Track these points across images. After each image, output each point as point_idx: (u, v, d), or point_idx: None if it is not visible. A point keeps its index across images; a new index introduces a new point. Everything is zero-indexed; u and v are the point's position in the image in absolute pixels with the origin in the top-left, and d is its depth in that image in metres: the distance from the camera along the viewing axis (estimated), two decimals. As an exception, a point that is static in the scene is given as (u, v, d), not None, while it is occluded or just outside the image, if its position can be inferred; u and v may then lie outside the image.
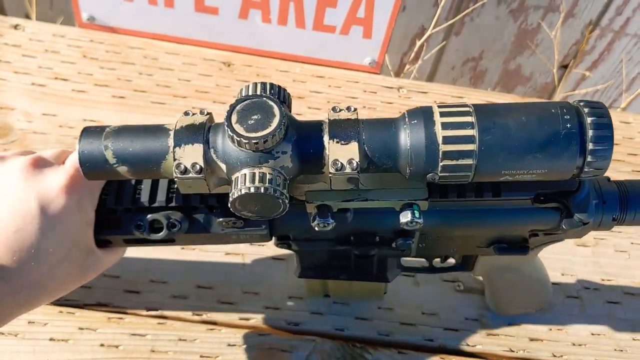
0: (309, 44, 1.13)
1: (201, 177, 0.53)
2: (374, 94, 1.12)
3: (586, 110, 0.51)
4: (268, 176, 0.51)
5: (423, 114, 0.52)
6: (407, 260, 0.79)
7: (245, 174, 0.52)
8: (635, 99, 1.44)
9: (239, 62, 1.12)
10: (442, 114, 0.52)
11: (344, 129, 0.54)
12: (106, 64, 1.07)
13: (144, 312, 0.82)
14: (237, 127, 0.51)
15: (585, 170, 0.51)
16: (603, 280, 0.91)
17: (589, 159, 0.50)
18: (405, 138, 0.52)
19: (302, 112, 1.08)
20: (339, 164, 0.52)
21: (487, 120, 0.50)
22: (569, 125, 0.50)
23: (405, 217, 0.58)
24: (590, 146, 0.50)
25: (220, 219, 0.64)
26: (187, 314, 0.82)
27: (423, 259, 0.78)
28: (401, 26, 1.30)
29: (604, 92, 1.51)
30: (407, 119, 0.53)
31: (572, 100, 0.53)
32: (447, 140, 0.51)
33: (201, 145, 0.53)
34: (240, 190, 0.51)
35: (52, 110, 1.01)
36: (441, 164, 0.51)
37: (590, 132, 0.50)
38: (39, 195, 0.60)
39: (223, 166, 0.53)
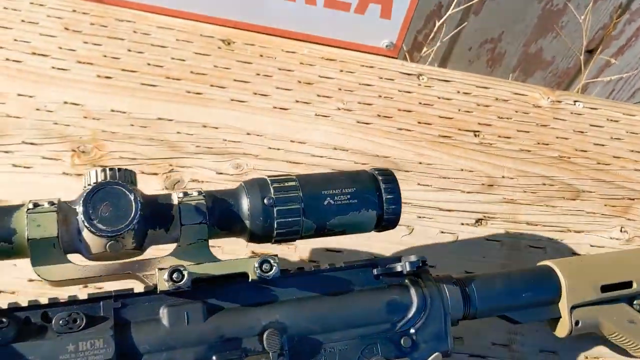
0: (319, 22, 1.01)
1: (54, 210, 0.61)
2: (391, 81, 1.01)
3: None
4: (117, 173, 0.62)
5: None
6: None
7: (96, 171, 0.61)
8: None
9: (240, 41, 1.00)
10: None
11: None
12: (91, 39, 0.95)
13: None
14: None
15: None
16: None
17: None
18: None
19: (310, 100, 0.96)
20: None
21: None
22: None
23: (262, 263, 0.65)
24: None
25: (60, 315, 0.60)
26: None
27: None
28: (418, 3, 1.18)
29: (627, 80, 1.41)
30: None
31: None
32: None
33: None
34: (90, 180, 0.61)
35: (29, 90, 0.89)
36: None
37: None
38: None
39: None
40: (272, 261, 0.66)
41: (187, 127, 0.91)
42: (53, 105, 0.88)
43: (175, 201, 0.65)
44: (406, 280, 0.72)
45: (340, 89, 0.98)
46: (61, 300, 0.63)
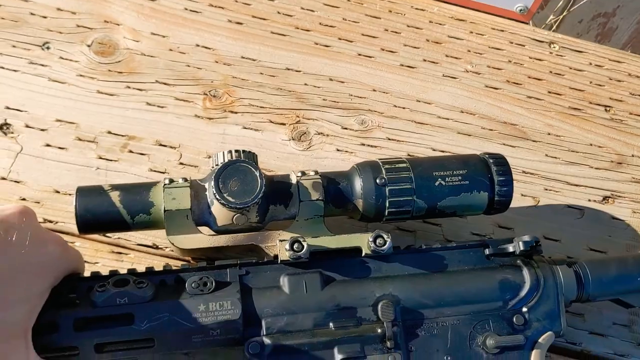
0: (451, -20, 0.98)
1: (187, 185, 0.67)
2: (521, 47, 0.97)
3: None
4: (242, 154, 0.67)
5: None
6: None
7: (224, 152, 0.67)
8: None
9: (370, -7, 0.98)
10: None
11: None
12: (222, -18, 0.94)
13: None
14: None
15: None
16: None
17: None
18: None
19: (438, 60, 0.94)
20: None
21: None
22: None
23: (376, 238, 0.68)
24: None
25: (192, 278, 0.65)
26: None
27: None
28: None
29: None
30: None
31: None
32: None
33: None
34: (217, 161, 0.67)
35: (163, 30, 0.89)
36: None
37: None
38: None
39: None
40: (385, 236, 0.68)
41: (314, 79, 0.90)
42: (186, 47, 0.89)
43: (294, 180, 0.69)
44: (518, 261, 0.72)
45: (469, 51, 0.95)
46: (191, 266, 0.67)
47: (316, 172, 0.70)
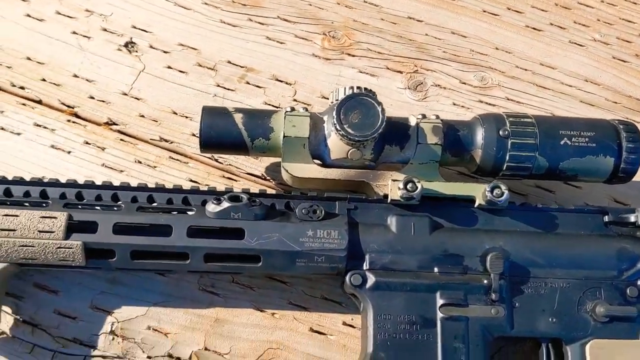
0: (588, -55, 0.93)
1: (307, 115, 0.67)
2: (656, 20, 0.92)
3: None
4: (364, 90, 0.67)
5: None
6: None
7: (345, 87, 0.67)
8: None
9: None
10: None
11: None
12: None
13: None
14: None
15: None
16: None
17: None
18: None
19: (566, 25, 0.90)
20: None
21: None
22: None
23: (493, 188, 0.66)
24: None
25: (302, 204, 0.65)
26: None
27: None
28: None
29: None
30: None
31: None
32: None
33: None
34: (338, 95, 0.66)
35: None
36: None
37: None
38: None
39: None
40: (503, 187, 0.66)
41: (436, 30, 0.88)
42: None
43: (414, 122, 0.68)
44: (638, 232, 0.68)
45: (598, 20, 0.91)
46: (302, 195, 0.68)
47: (437, 117, 0.69)
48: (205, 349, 0.69)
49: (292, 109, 0.68)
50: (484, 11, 0.90)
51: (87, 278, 0.70)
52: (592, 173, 0.69)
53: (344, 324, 0.72)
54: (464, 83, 0.85)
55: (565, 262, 0.66)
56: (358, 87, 0.67)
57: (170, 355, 0.68)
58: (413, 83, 0.84)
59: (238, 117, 0.68)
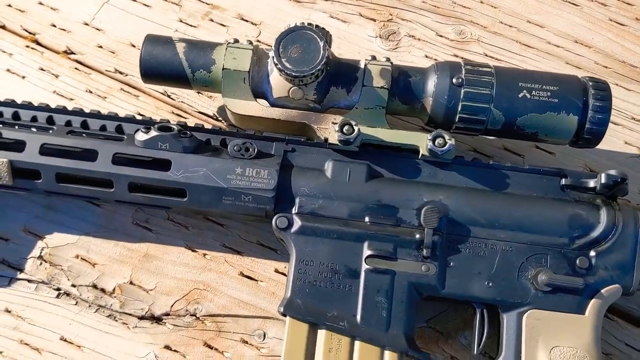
0: None
1: (250, 48, 0.65)
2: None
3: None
4: (315, 27, 0.63)
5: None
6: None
7: (296, 22, 0.63)
8: None
9: None
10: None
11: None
12: None
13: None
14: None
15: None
16: None
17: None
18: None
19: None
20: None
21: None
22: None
23: (435, 137, 0.62)
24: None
25: (235, 141, 0.63)
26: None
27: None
28: None
29: None
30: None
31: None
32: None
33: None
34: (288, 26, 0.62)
35: None
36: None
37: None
38: None
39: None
40: (446, 137, 0.62)
41: (418, -21, 0.83)
42: None
43: (362, 65, 0.64)
44: (598, 200, 0.62)
45: None
46: (239, 132, 0.65)
47: (388, 59, 0.64)
48: (131, 282, 0.67)
49: (236, 41, 0.65)
50: (474, -39, 0.84)
51: (23, 201, 0.69)
52: (554, 132, 0.63)
53: (276, 271, 0.69)
54: (440, 36, 0.80)
55: (510, 224, 0.61)
56: (310, 24, 0.63)
57: (94, 286, 0.67)
58: (385, 32, 0.80)
59: (180, 47, 0.65)
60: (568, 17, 0.81)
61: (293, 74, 0.61)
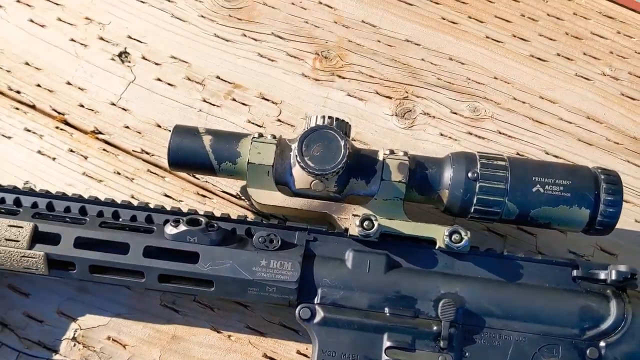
0: (608, -29, 0.88)
1: (274, 142, 0.67)
2: (674, 57, 0.86)
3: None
4: (334, 122, 0.66)
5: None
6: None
7: (316, 116, 0.67)
8: None
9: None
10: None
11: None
12: None
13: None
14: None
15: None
16: None
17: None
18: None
19: (574, 56, 0.86)
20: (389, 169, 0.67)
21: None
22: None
23: (452, 233, 0.65)
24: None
25: (260, 232, 0.65)
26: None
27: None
28: None
29: None
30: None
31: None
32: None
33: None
34: (310, 123, 0.66)
35: (289, -17, 0.88)
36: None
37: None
38: None
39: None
40: (462, 233, 0.65)
41: (433, 55, 0.85)
42: (308, 3, 0.87)
43: (381, 157, 0.67)
44: (608, 291, 0.65)
45: (611, 53, 0.86)
46: (264, 222, 0.68)
47: (405, 153, 0.67)
48: (160, 364, 0.71)
49: (260, 135, 0.68)
50: (487, 37, 0.86)
51: (56, 284, 0.72)
52: (566, 223, 0.66)
53: (298, 352, 0.72)
54: (455, 113, 0.82)
55: (524, 315, 0.64)
56: (330, 117, 0.66)
57: (125, 367, 0.70)
58: (401, 110, 0.82)
59: (207, 139, 0.68)
60: (580, 92, 0.84)
61: (316, 172, 0.64)
